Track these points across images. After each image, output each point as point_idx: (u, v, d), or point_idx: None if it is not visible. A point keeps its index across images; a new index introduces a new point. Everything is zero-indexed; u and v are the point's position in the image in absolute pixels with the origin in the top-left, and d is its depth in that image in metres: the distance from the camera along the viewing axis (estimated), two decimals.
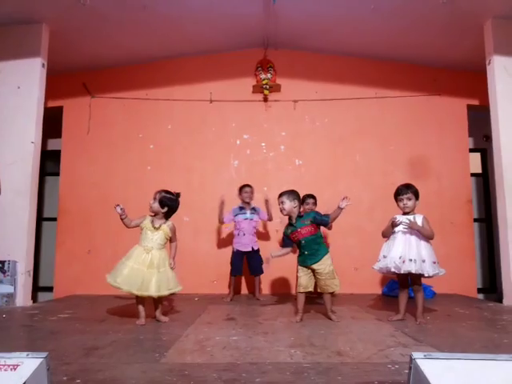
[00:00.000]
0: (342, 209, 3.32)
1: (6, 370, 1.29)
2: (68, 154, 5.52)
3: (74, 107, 5.60)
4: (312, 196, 4.57)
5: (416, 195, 3.26)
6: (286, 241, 3.45)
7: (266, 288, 5.03)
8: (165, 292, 3.18)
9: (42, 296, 5.80)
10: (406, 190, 3.26)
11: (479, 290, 5.49)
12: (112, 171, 5.49)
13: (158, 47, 5.40)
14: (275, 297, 4.76)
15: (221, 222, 4.74)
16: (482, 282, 6.00)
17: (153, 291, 3.12)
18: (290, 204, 3.32)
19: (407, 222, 3.16)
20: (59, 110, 5.57)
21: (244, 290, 5.22)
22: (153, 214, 3.34)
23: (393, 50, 5.38)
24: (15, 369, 1.29)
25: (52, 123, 5.30)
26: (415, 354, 1.25)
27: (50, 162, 6.08)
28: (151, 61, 5.64)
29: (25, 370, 1.29)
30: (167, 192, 3.33)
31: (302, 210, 3.58)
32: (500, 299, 4.35)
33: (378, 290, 5.08)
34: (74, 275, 5.20)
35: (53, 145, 5.96)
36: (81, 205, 5.40)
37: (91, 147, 5.53)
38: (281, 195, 3.39)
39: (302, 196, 3.74)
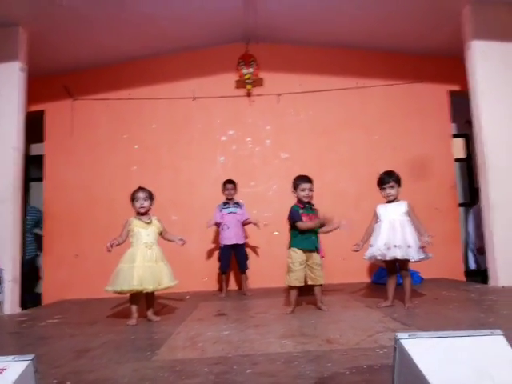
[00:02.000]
0: (335, 228, 3.35)
1: None
2: (52, 157, 5.46)
3: (55, 110, 5.53)
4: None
5: (398, 182, 3.30)
6: (296, 215, 3.32)
7: (255, 282, 5.03)
8: (175, 282, 3.29)
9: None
10: (388, 178, 3.30)
11: (466, 273, 5.57)
12: (97, 173, 5.45)
13: (138, 46, 5.35)
14: (265, 291, 4.77)
15: (217, 225, 4.76)
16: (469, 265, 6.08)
17: (167, 283, 3.21)
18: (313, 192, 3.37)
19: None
20: (41, 114, 5.50)
21: (233, 285, 5.22)
22: (142, 213, 3.33)
23: (373, 39, 5.40)
24: (1, 372, 1.28)
25: (34, 128, 5.23)
26: (400, 335, 1.27)
27: (34, 168, 6.00)
28: (132, 60, 5.59)
29: (11, 373, 1.28)
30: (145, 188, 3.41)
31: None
32: (486, 281, 4.42)
33: (367, 279, 5.13)
34: (63, 280, 5.15)
35: (36, 150, 5.89)
36: (67, 209, 5.35)
37: (75, 150, 5.48)
38: (310, 181, 3.35)
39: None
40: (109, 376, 1.91)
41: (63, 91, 5.52)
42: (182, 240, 3.40)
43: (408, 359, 1.20)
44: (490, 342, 1.23)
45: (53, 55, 5.15)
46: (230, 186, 4.71)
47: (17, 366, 1.32)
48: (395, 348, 1.28)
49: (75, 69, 5.55)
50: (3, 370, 1.31)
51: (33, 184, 6.21)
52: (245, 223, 4.79)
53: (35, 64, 4.75)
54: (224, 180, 4.80)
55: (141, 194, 3.31)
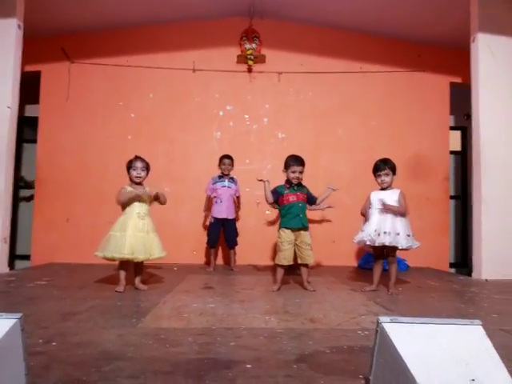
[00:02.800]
0: (331, 192, 3.44)
1: None
2: (46, 120, 5.39)
3: (52, 72, 5.43)
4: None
5: (393, 170, 3.32)
6: (274, 196, 3.41)
7: (243, 259, 5.08)
8: (164, 253, 3.32)
9: (20, 264, 5.76)
10: (383, 165, 3.31)
11: (452, 265, 5.68)
12: (92, 139, 5.40)
13: (139, 12, 5.23)
14: (251, 268, 4.83)
15: (208, 198, 4.80)
16: (454, 257, 6.20)
17: (157, 254, 3.25)
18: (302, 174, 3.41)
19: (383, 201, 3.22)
20: (37, 74, 5.39)
21: (220, 260, 5.26)
22: (137, 183, 3.32)
23: (379, 24, 5.34)
24: None
25: (29, 88, 5.14)
26: (382, 318, 1.30)
27: (27, 129, 5.93)
28: (133, 26, 5.47)
29: None
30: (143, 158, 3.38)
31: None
32: (470, 274, 4.51)
33: (355, 263, 5.20)
34: (52, 243, 5.17)
35: (30, 111, 5.80)
36: (59, 173, 5.31)
37: (70, 114, 5.40)
38: (302, 164, 3.39)
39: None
40: (93, 339, 1.94)
41: (61, 53, 5.41)
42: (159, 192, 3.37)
43: (388, 342, 1.24)
44: (469, 332, 1.26)
45: (51, 15, 5.02)
46: (227, 161, 4.71)
47: (4, 323, 1.34)
48: (377, 331, 1.31)
49: (74, 31, 5.43)
50: None
51: (26, 145, 6.15)
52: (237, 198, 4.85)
53: (33, 23, 4.64)
54: (222, 155, 4.79)
55: (139, 164, 3.30)
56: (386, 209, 3.19)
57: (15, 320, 1.35)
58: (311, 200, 3.49)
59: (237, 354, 1.73)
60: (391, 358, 1.22)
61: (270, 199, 3.40)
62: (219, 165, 4.74)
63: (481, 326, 1.28)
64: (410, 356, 1.17)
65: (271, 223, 5.30)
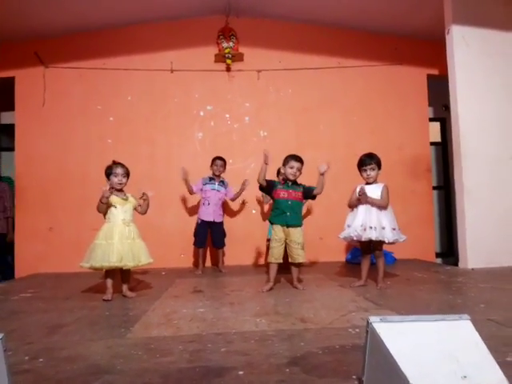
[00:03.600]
0: (322, 174, 3.34)
1: None
2: (23, 127, 5.27)
3: (26, 78, 5.30)
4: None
5: (379, 165, 3.33)
6: (269, 185, 3.37)
7: (231, 259, 5.07)
8: (151, 259, 3.27)
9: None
10: (369, 160, 3.32)
11: (438, 255, 5.76)
12: (71, 145, 5.30)
13: (114, 13, 5.13)
14: (240, 268, 4.81)
15: (190, 192, 4.72)
16: (441, 247, 6.29)
17: (145, 260, 3.20)
18: (300, 173, 3.39)
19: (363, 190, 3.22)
20: (11, 80, 5.26)
21: (208, 262, 5.23)
22: (117, 189, 3.26)
23: (355, 18, 5.35)
24: None
25: (4, 95, 5.01)
26: (372, 318, 1.29)
27: (4, 137, 5.79)
28: (108, 28, 5.37)
29: None
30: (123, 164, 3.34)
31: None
32: (457, 263, 4.57)
33: (343, 258, 5.23)
34: (36, 253, 5.07)
35: (6, 118, 5.67)
36: (39, 181, 5.21)
37: (47, 120, 5.29)
38: (300, 161, 3.37)
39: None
40: (82, 353, 1.90)
41: (35, 58, 5.29)
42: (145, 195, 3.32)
43: (379, 342, 1.23)
44: (458, 327, 1.27)
45: (24, 19, 4.90)
46: (219, 162, 4.69)
47: None
48: (367, 331, 1.31)
49: (48, 35, 5.30)
50: None
51: (3, 154, 6.02)
52: (233, 198, 4.81)
53: (5, 28, 4.52)
54: (214, 156, 4.77)
55: (119, 170, 3.24)
56: (369, 202, 3.20)
57: None
58: (309, 192, 3.42)
59: (228, 361, 1.71)
60: (383, 358, 1.22)
61: (262, 180, 3.31)
62: (211, 166, 4.71)
63: (469, 321, 1.29)
64: (402, 355, 1.17)
65: (258, 222, 5.28)
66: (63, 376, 1.63)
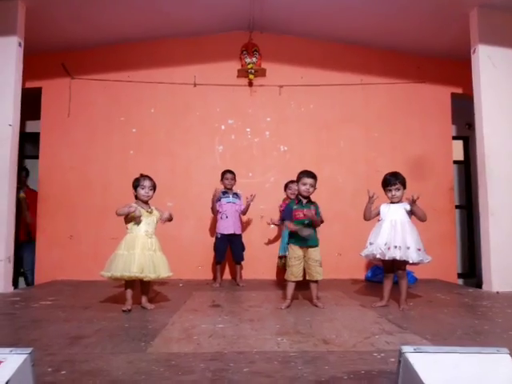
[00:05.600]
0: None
1: None
2: (48, 136, 5.37)
3: (53, 88, 5.42)
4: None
5: (404, 184, 3.29)
6: (287, 214, 3.37)
7: (248, 273, 5.03)
8: (171, 273, 3.28)
9: (22, 281, 5.70)
10: (394, 179, 3.27)
11: (459, 275, 5.63)
12: (93, 155, 5.37)
13: (139, 28, 5.24)
14: (258, 282, 4.78)
15: (214, 211, 4.71)
16: (462, 267, 6.15)
17: (165, 273, 3.21)
18: (314, 188, 3.35)
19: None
20: (38, 91, 5.39)
21: (226, 275, 5.22)
22: (143, 201, 3.29)
23: (378, 37, 5.36)
24: None
25: (30, 105, 5.12)
26: (404, 348, 1.26)
27: (28, 145, 5.91)
28: (133, 42, 5.48)
29: (9, 366, 1.25)
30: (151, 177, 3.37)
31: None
32: (479, 284, 4.46)
33: (361, 275, 5.14)
34: (56, 261, 5.12)
35: (31, 127, 5.80)
36: (61, 189, 5.29)
37: (71, 130, 5.39)
38: (313, 177, 3.34)
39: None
40: (103, 367, 1.88)
41: (61, 69, 5.41)
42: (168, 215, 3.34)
43: (413, 374, 1.20)
44: (496, 361, 1.22)
45: (51, 32, 5.03)
46: (229, 175, 4.69)
47: (14, 359, 1.30)
48: (399, 361, 1.28)
49: (74, 47, 5.43)
50: (0, 362, 1.28)
51: (27, 161, 6.13)
52: (243, 212, 4.80)
53: (33, 40, 4.64)
54: (223, 170, 4.77)
55: (147, 183, 3.28)
56: (414, 209, 3.17)
57: (25, 355, 1.32)
58: (319, 218, 3.38)
59: (252, 382, 1.68)
60: None
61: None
62: (221, 180, 4.71)
63: (508, 355, 1.24)
64: None
65: (276, 237, 5.26)
66: None
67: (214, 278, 4.88)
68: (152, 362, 1.96)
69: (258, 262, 5.14)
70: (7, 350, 1.32)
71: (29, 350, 1.32)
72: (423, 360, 1.22)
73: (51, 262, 5.13)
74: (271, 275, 5.13)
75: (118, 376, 1.77)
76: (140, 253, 3.12)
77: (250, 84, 5.52)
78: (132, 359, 1.99)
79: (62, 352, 2.12)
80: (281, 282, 4.16)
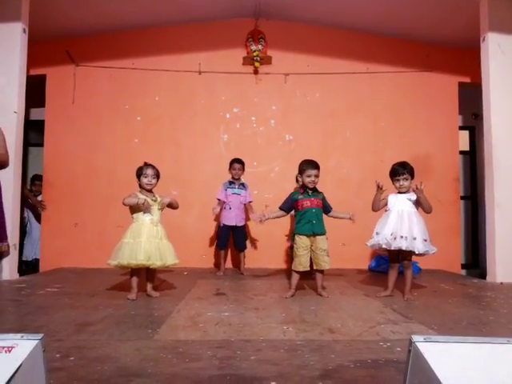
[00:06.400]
0: (347, 218, 3.39)
1: (0, 352, 1.25)
2: (52, 124, 5.36)
3: (57, 76, 5.40)
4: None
5: (412, 174, 3.27)
6: (288, 204, 3.40)
7: (252, 262, 5.04)
8: (177, 260, 3.29)
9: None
10: (402, 169, 3.25)
11: (462, 266, 5.63)
12: (98, 143, 5.37)
13: (144, 14, 5.19)
14: (261, 271, 4.79)
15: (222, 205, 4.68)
16: (465, 258, 6.15)
17: (171, 260, 3.22)
18: (318, 178, 3.35)
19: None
20: (42, 78, 5.36)
21: (229, 264, 5.23)
22: (147, 190, 3.29)
23: (385, 24, 5.29)
24: (10, 351, 1.26)
25: (34, 92, 5.10)
26: (415, 337, 1.25)
27: (32, 133, 5.90)
28: (137, 28, 5.43)
29: (20, 352, 1.26)
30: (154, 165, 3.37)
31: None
32: (482, 275, 4.46)
33: (365, 265, 5.15)
34: (61, 248, 5.15)
35: (35, 114, 5.78)
36: (66, 177, 5.29)
37: (76, 118, 5.37)
38: (317, 168, 3.32)
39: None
40: (110, 354, 1.90)
41: (66, 56, 5.38)
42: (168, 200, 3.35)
43: (423, 363, 1.19)
44: (506, 351, 1.22)
45: (55, 18, 4.99)
46: (237, 165, 4.65)
47: (25, 344, 1.30)
48: (409, 350, 1.27)
49: (79, 34, 5.40)
50: (12, 348, 1.29)
51: (31, 149, 6.13)
52: (246, 206, 4.78)
53: (37, 27, 4.60)
54: (232, 159, 4.73)
55: (150, 171, 3.27)
56: (420, 200, 3.14)
57: (37, 341, 1.32)
58: (326, 208, 3.43)
59: (259, 370, 1.69)
60: (427, 380, 1.18)
61: (282, 215, 3.47)
62: (229, 169, 4.68)
63: None
64: (448, 378, 1.13)
65: (281, 226, 5.25)
66: (94, 377, 1.63)
67: (217, 266, 4.89)
68: (159, 349, 1.97)
69: (262, 251, 5.16)
70: (18, 335, 1.32)
71: (40, 335, 1.32)
72: (434, 349, 1.21)
73: (56, 249, 5.15)
74: (275, 264, 5.14)
75: (126, 363, 1.79)
76: (146, 241, 3.13)
77: (256, 72, 5.47)
78: (139, 346, 2.01)
79: (70, 338, 2.14)
80: (288, 270, 4.15)
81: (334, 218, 3.47)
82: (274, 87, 5.50)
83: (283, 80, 5.49)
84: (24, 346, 1.29)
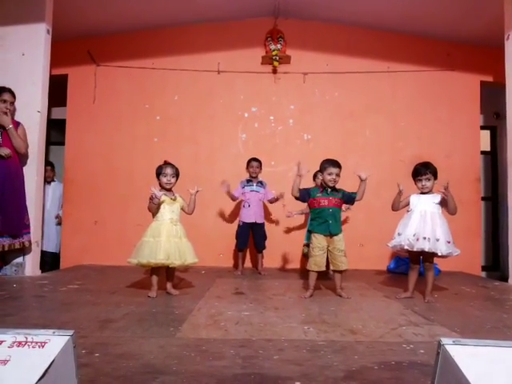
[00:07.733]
0: (364, 181, 3.29)
1: (34, 347, 1.28)
2: (73, 123, 5.44)
3: (79, 75, 5.48)
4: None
5: (435, 175, 3.22)
6: (303, 194, 3.34)
7: (270, 262, 5.05)
8: (197, 259, 3.31)
9: None
10: (425, 169, 3.21)
11: (482, 268, 5.54)
12: (118, 142, 5.44)
13: (164, 14, 5.23)
14: (279, 271, 4.80)
15: (234, 199, 4.74)
16: (485, 260, 6.05)
17: (191, 259, 3.25)
18: (339, 178, 3.32)
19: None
20: (64, 77, 5.45)
21: (247, 263, 5.24)
22: (167, 189, 3.32)
23: (406, 22, 5.23)
24: (43, 346, 1.29)
25: (56, 91, 5.19)
26: (444, 340, 1.24)
27: (53, 132, 6.00)
28: (157, 28, 5.48)
29: (53, 347, 1.28)
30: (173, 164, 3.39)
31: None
32: (503, 277, 4.38)
33: (383, 266, 5.10)
34: (81, 245, 5.23)
35: (57, 113, 5.87)
36: (87, 175, 5.37)
37: (97, 117, 5.45)
38: (339, 167, 3.29)
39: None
40: (135, 351, 1.92)
41: (87, 56, 5.46)
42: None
43: (453, 366, 1.18)
44: None
45: (78, 19, 5.07)
46: (255, 164, 4.68)
47: (57, 340, 1.33)
48: (438, 352, 1.26)
49: (100, 34, 5.47)
50: (44, 343, 1.32)
51: (52, 147, 6.24)
52: (271, 201, 4.79)
53: (60, 27, 4.67)
54: (249, 158, 4.76)
55: (169, 170, 3.30)
56: (447, 198, 3.10)
57: (68, 337, 1.35)
58: (350, 199, 3.38)
59: (283, 370, 1.70)
60: (456, 383, 1.17)
61: (296, 192, 3.31)
62: (247, 168, 4.71)
63: None
64: (478, 381, 1.12)
65: (298, 226, 5.25)
66: (120, 373, 1.65)
67: (235, 266, 4.91)
68: (182, 346, 1.99)
69: (280, 250, 5.16)
70: (50, 331, 1.35)
71: (70, 332, 1.35)
72: (463, 352, 1.20)
73: (76, 246, 5.24)
74: (293, 264, 5.14)
75: (150, 360, 1.81)
76: (165, 240, 3.16)
77: (275, 71, 5.47)
78: (162, 344, 2.03)
79: (94, 335, 2.17)
80: (304, 270, 4.15)
81: (362, 194, 3.35)
82: (292, 86, 5.49)
83: (302, 79, 5.48)
84: (56, 341, 1.32)
